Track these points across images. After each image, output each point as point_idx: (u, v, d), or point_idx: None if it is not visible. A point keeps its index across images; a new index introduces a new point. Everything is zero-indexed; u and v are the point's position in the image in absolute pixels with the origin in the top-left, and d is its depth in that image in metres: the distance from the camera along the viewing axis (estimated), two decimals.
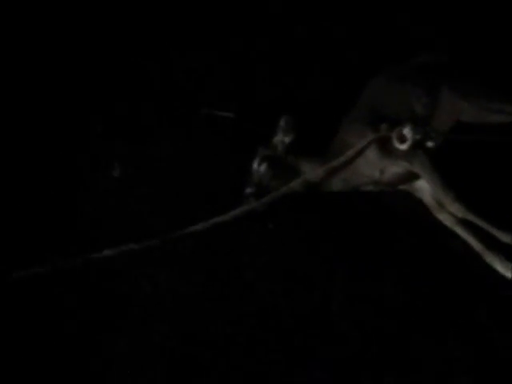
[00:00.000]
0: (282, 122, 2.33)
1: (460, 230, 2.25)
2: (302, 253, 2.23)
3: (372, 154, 2.28)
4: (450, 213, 2.27)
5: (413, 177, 2.30)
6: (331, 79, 2.63)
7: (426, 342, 2.05)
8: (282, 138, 2.34)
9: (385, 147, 2.29)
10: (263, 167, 2.30)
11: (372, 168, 2.29)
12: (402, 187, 2.32)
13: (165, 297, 2.24)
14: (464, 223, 2.25)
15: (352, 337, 2.06)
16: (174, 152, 2.50)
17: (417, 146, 2.23)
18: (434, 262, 2.19)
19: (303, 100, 2.59)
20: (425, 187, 2.31)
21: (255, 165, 2.32)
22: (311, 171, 2.27)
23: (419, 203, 2.29)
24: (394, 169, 2.29)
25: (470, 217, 2.23)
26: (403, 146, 2.26)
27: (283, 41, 2.79)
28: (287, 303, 2.15)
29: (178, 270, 2.29)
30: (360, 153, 2.27)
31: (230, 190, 2.34)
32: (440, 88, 2.34)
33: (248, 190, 2.29)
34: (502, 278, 2.16)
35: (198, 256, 2.31)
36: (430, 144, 2.24)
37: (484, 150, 2.28)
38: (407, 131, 2.25)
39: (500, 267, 2.21)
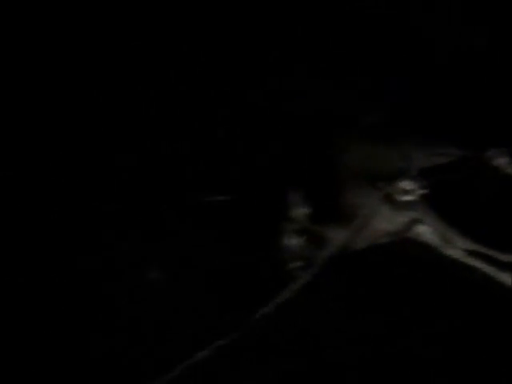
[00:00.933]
0: (291, 197, 2.58)
1: (471, 260, 2.64)
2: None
3: (385, 208, 2.62)
4: (458, 247, 2.67)
5: (415, 222, 2.67)
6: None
7: None
8: (302, 211, 2.60)
9: (391, 201, 2.65)
10: (294, 240, 2.54)
11: (389, 221, 2.62)
12: (406, 234, 2.68)
13: None
14: (472, 253, 2.65)
15: None
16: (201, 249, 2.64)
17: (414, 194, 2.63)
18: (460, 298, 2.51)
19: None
20: (427, 229, 2.69)
21: (286, 240, 2.56)
22: (338, 236, 2.56)
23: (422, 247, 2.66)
24: (401, 219, 2.64)
25: (476, 246, 2.63)
26: (408, 198, 2.63)
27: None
28: None
29: None
30: (374, 211, 2.61)
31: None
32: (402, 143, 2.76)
33: (292, 265, 2.52)
34: None
35: None
36: (422, 191, 2.63)
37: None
38: (407, 184, 2.63)
39: None
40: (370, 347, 2.24)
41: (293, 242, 2.46)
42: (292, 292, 2.34)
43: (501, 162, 2.60)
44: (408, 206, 2.49)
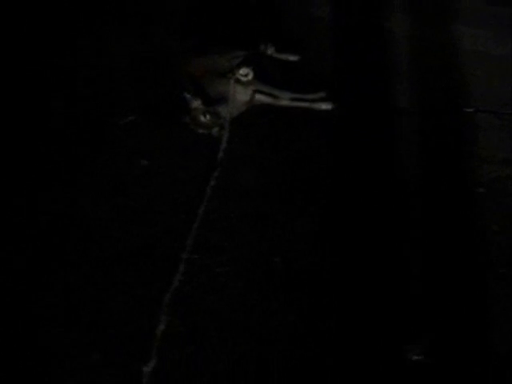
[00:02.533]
0: (187, 97, 3.66)
1: (297, 103, 3.95)
2: None
3: (239, 88, 3.82)
4: (284, 99, 3.95)
5: (255, 92, 3.91)
6: None
7: None
8: (197, 103, 3.66)
9: (240, 82, 3.85)
10: (204, 118, 3.63)
11: (244, 95, 3.82)
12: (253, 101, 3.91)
13: None
14: (295, 99, 3.96)
15: None
16: None
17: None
18: None
19: None
20: (263, 96, 3.94)
21: (202, 118, 3.63)
22: (225, 110, 3.71)
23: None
24: (248, 92, 3.87)
25: (295, 95, 3.96)
26: (247, 78, 3.86)
27: None
28: None
29: None
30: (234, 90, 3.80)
31: None
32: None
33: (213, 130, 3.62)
34: None
35: None
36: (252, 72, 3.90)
37: None
38: (244, 70, 3.86)
39: (324, 106, 3.98)
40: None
41: (203, 119, 3.61)
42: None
43: (270, 51, 4.14)
44: (249, 83, 3.83)
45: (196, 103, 3.58)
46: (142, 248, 2.97)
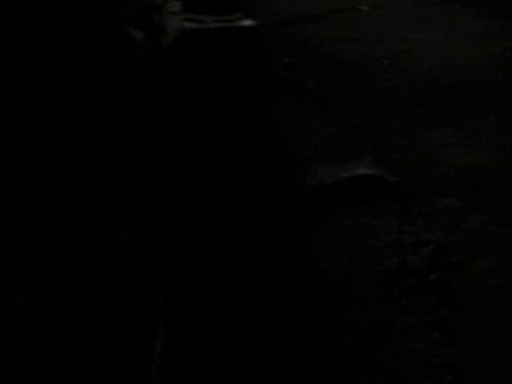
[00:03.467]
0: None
1: (220, 24, 5.05)
2: None
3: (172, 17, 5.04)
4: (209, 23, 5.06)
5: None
6: None
7: None
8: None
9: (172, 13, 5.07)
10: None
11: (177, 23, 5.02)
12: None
13: None
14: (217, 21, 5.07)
15: None
16: None
17: None
18: None
19: None
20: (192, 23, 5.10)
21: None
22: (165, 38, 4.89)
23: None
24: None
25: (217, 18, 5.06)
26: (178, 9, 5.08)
27: None
28: None
29: None
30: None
31: None
32: None
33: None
34: None
35: None
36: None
37: None
38: (174, 3, 5.09)
39: (246, 23, 5.03)
40: None
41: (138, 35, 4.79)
42: None
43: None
44: (178, 13, 5.04)
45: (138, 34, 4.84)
46: None
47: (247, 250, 2.65)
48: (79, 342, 2.06)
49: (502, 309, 2.25)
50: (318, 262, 2.53)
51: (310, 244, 2.62)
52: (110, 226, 2.56)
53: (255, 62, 4.29)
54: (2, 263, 2.37)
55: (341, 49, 4.43)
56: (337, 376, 2.05)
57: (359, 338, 2.13)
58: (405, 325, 2.19)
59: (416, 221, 2.76)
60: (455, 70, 4.06)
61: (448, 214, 2.73)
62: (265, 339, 2.19)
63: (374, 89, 3.83)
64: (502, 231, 2.66)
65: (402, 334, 2.13)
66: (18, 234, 2.53)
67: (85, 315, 2.16)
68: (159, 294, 2.31)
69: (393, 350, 2.09)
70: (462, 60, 4.11)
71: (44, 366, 1.98)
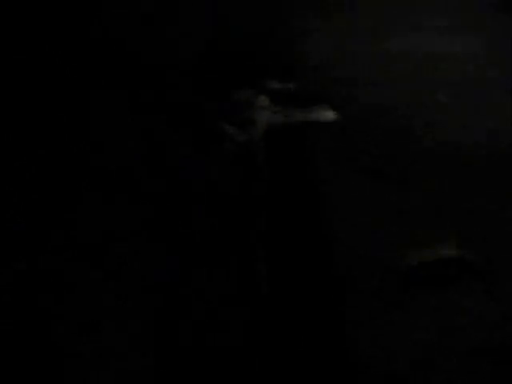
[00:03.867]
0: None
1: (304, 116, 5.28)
2: None
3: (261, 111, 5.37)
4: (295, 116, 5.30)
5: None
6: None
7: None
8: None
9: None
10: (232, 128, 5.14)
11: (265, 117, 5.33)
12: None
13: None
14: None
15: None
16: None
17: None
18: None
19: None
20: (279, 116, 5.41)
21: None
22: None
23: None
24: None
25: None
26: (266, 103, 5.40)
27: None
28: None
29: None
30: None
31: None
32: None
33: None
34: None
35: None
36: None
37: None
38: (262, 97, 5.41)
39: (329, 116, 5.26)
40: None
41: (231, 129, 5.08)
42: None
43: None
44: (266, 107, 5.36)
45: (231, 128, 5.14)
46: None
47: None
48: None
49: None
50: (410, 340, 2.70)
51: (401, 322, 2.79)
52: None
53: (339, 154, 4.53)
54: None
55: (424, 135, 4.63)
56: None
57: None
58: None
59: (501, 300, 2.90)
60: None
61: None
62: None
63: (454, 170, 4.00)
64: None
65: None
66: None
67: None
68: None
69: None
70: None
71: None
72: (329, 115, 5.19)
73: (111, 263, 3.22)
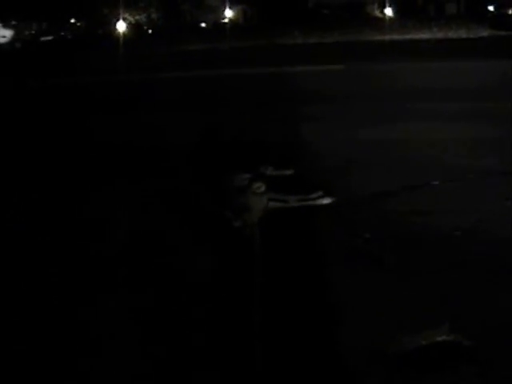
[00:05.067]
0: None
1: (301, 203, 5.34)
2: None
3: (256, 197, 5.43)
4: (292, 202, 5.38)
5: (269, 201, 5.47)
6: None
7: None
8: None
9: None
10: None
11: (261, 203, 5.40)
12: None
13: None
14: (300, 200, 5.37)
15: None
16: None
17: None
18: None
19: None
20: (275, 202, 5.47)
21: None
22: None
23: None
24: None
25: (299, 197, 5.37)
26: (262, 190, 5.48)
27: None
28: None
29: None
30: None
31: None
32: None
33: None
34: None
35: None
36: None
37: None
38: (258, 184, 5.50)
39: (324, 201, 5.30)
40: None
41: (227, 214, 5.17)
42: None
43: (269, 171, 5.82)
44: (262, 193, 5.46)
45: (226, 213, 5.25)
46: None
47: None
48: None
49: None
50: None
51: None
52: None
53: (333, 238, 4.62)
54: None
55: (416, 222, 4.73)
56: None
57: None
58: None
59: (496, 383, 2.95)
60: None
61: None
62: None
63: (448, 260, 4.10)
64: None
65: None
66: None
67: None
68: None
69: None
70: None
71: None
72: (324, 201, 5.32)
73: None
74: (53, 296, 3.86)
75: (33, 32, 23.06)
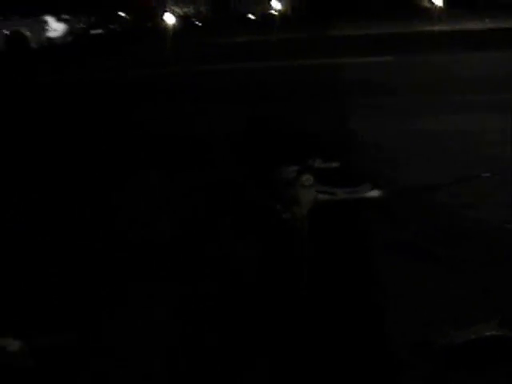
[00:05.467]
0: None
1: (349, 195, 5.32)
2: None
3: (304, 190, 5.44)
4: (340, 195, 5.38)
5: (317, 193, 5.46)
6: None
7: None
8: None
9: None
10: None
11: (310, 196, 5.38)
12: None
13: None
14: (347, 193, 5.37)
15: None
16: None
17: None
18: None
19: None
20: (323, 195, 5.47)
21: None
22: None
23: None
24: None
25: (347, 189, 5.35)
26: (310, 182, 5.50)
27: None
28: None
29: None
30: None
31: None
32: None
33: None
34: None
35: None
36: None
37: None
38: (307, 176, 5.50)
39: (372, 194, 5.29)
40: None
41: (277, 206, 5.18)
42: None
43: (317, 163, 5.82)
44: (311, 186, 5.46)
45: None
46: None
47: None
48: None
49: None
50: None
51: None
52: None
53: (382, 231, 4.60)
54: None
55: (465, 215, 4.70)
56: None
57: None
58: None
59: None
60: None
61: None
62: None
63: (499, 253, 4.06)
64: None
65: None
66: None
67: None
68: None
69: None
70: None
71: None
72: (372, 193, 5.31)
73: None
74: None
75: (83, 26, 23.28)
